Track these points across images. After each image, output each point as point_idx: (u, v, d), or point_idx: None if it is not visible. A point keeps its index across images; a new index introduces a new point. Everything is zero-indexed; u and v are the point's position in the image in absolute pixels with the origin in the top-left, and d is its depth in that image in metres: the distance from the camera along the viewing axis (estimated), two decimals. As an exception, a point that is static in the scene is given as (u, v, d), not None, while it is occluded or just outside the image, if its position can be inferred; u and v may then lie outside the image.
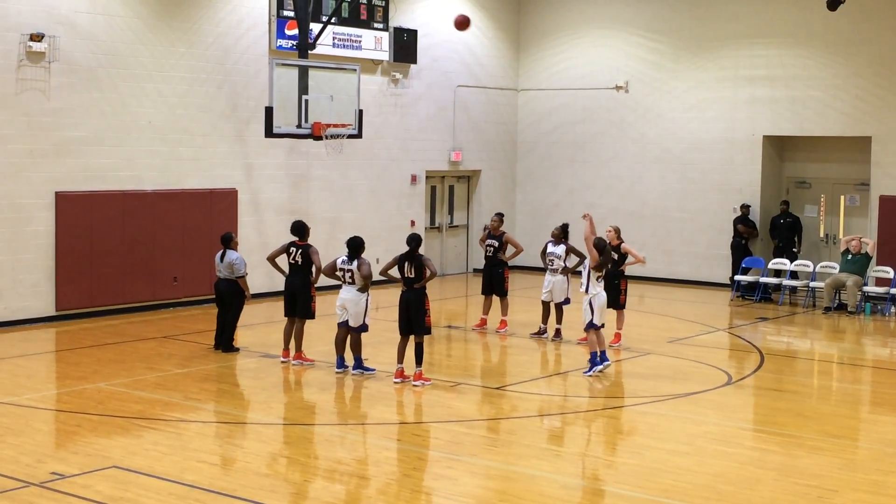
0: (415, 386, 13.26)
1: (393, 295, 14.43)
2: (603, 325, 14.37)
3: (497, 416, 12.26)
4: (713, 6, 23.37)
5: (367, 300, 13.80)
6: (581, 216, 14.63)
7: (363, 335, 13.93)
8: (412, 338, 13.44)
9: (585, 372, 14.10)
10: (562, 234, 16.48)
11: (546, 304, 16.64)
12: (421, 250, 13.50)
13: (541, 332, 16.73)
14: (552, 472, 10.07)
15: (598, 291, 14.18)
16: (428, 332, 13.46)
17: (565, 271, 16.38)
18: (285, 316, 14.70)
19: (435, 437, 11.25)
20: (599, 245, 14.13)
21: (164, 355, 15.06)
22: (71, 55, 17.50)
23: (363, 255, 13.87)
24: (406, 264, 13.35)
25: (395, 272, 13.71)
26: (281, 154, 20.73)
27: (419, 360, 13.36)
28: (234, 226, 19.49)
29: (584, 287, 14.19)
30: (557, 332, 16.53)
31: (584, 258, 16.16)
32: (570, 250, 16.38)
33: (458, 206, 25.49)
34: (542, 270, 16.81)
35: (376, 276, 14.23)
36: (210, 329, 15.82)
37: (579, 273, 14.85)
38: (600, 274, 14.18)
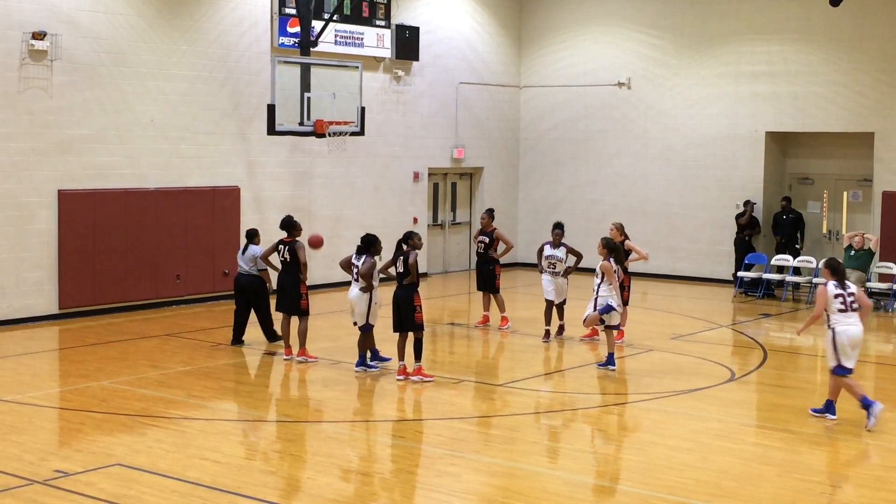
0: (413, 381, 13.25)
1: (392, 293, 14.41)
2: (616, 327, 14.46)
3: (500, 413, 12.26)
4: (715, 2, 23.33)
5: (369, 299, 13.77)
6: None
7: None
8: (411, 334, 13.44)
9: (599, 364, 14.32)
10: (561, 234, 16.34)
11: (550, 304, 16.43)
12: (424, 248, 13.47)
13: (548, 336, 16.48)
14: (555, 469, 10.07)
15: (609, 295, 14.15)
16: (419, 328, 13.35)
17: (567, 272, 16.34)
18: (276, 311, 14.79)
19: (438, 434, 11.24)
20: (610, 245, 14.15)
21: (167, 353, 15.07)
22: (73, 53, 17.50)
23: (379, 255, 13.86)
24: (396, 261, 13.39)
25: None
26: (283, 152, 20.72)
27: (418, 355, 13.33)
28: (236, 224, 19.48)
29: (595, 290, 14.13)
30: (560, 329, 16.50)
31: (582, 256, 16.27)
32: (570, 251, 16.34)
33: (461, 204, 25.48)
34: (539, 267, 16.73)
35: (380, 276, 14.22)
36: (212, 327, 15.84)
37: (580, 270, 14.80)
38: (613, 279, 14.13)
